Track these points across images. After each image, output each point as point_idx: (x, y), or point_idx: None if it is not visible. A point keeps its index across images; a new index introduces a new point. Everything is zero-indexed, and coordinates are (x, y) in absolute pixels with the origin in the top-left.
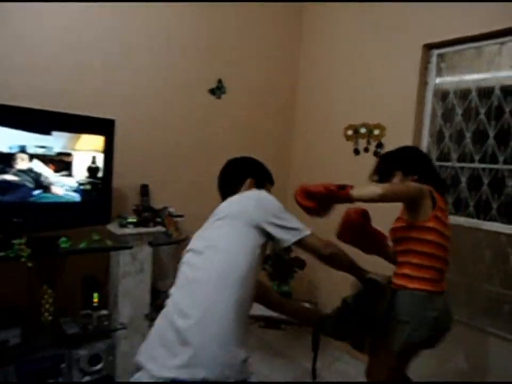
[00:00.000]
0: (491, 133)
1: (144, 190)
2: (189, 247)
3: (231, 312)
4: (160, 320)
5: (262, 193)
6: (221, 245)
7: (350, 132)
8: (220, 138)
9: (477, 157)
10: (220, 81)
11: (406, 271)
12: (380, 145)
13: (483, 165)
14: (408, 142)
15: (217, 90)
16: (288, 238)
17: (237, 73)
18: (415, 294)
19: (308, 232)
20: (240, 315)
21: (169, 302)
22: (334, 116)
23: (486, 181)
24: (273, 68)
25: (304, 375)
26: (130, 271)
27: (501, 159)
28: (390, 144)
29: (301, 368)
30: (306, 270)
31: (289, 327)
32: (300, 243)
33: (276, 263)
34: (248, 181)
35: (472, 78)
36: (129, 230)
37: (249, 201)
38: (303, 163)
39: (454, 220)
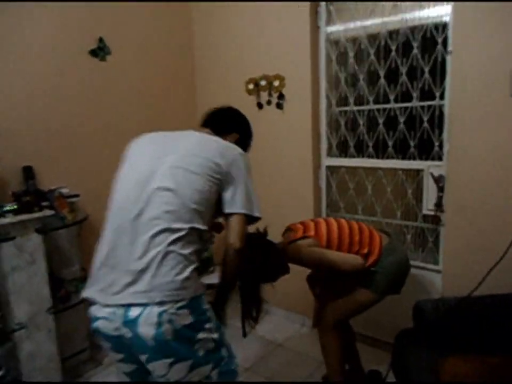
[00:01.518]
0: (381, 73)
1: (28, 173)
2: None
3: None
4: (108, 251)
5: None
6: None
7: (251, 86)
8: (113, 105)
9: (371, 99)
10: (101, 40)
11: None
12: (281, 96)
13: (377, 106)
14: (307, 89)
15: (100, 51)
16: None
17: (122, 30)
18: None
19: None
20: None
21: (113, 233)
22: (234, 71)
23: (380, 121)
24: (164, 25)
25: (236, 333)
26: (19, 265)
27: (392, 97)
28: (291, 94)
29: (231, 327)
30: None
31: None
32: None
33: None
34: (233, 134)
35: (360, 24)
36: (8, 219)
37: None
38: None
39: (357, 162)
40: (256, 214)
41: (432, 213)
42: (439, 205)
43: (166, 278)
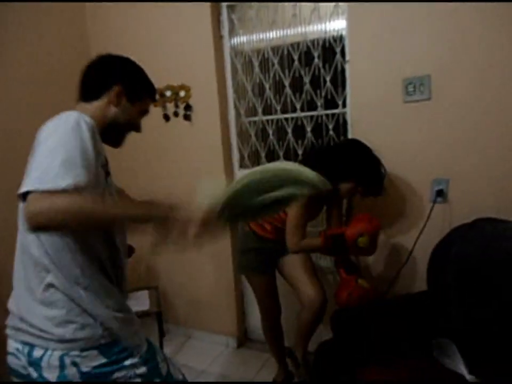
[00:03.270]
0: (286, 83)
1: None
2: None
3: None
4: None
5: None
6: None
7: (156, 97)
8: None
9: (278, 108)
10: None
11: None
12: (188, 107)
13: (285, 115)
14: (214, 100)
15: None
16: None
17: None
18: None
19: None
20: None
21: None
22: None
23: (289, 129)
24: (57, 36)
25: None
26: None
27: (298, 106)
28: (198, 105)
29: None
30: (141, 255)
31: None
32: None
33: None
34: (116, 88)
35: (263, 36)
36: None
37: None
38: None
39: None
40: (48, 186)
41: (344, 217)
42: (349, 209)
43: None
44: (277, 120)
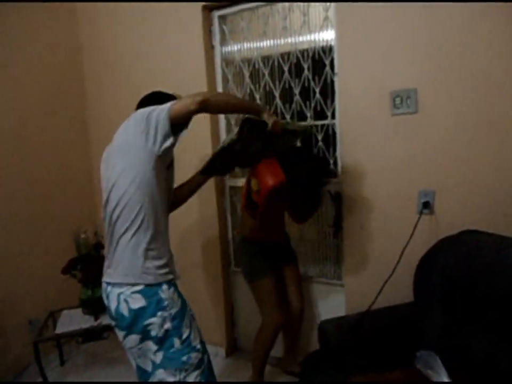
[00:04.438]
0: (276, 94)
1: None
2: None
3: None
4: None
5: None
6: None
7: None
8: None
9: None
10: None
11: None
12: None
13: None
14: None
15: None
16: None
17: None
18: None
19: (168, 106)
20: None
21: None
22: (128, 91)
23: None
24: (48, 36)
25: None
26: None
27: (288, 117)
28: None
29: None
30: None
31: (113, 334)
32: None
33: (84, 265)
34: None
35: (254, 45)
36: None
37: (129, 128)
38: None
39: None
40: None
41: (332, 229)
42: (337, 221)
43: (125, 265)
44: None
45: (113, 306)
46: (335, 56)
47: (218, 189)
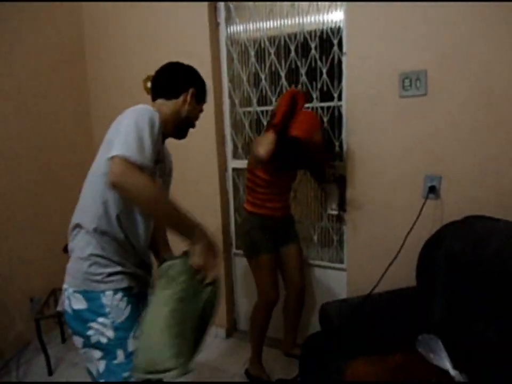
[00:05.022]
0: (282, 74)
1: None
2: None
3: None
4: None
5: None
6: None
7: (149, 84)
8: None
9: (273, 99)
10: None
11: None
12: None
13: None
14: (209, 89)
15: None
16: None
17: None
18: None
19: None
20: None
21: None
22: (130, 69)
23: None
24: (52, 25)
25: None
26: None
27: None
28: None
29: None
30: None
31: None
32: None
33: None
34: (191, 90)
35: (260, 25)
36: None
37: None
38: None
39: None
40: (135, 158)
41: (335, 212)
42: (341, 205)
43: (71, 264)
44: (272, 110)
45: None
46: (344, 36)
47: (221, 170)
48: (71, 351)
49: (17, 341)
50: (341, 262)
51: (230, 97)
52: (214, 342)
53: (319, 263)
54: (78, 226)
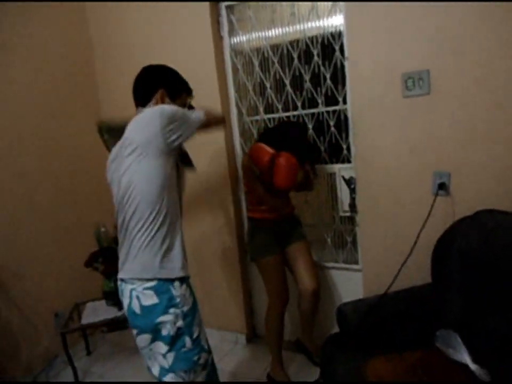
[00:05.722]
0: (287, 81)
1: None
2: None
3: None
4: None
5: (158, 111)
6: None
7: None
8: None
9: (280, 106)
10: None
11: None
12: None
13: (286, 113)
14: (216, 101)
15: None
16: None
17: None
18: None
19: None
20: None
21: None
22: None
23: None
24: (59, 33)
25: None
26: None
27: (299, 104)
28: (201, 106)
29: None
30: None
31: None
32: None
33: (105, 258)
34: (159, 91)
35: (262, 34)
36: None
37: (153, 127)
38: None
39: None
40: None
41: (347, 214)
42: (352, 206)
43: (141, 261)
44: (279, 118)
45: (126, 302)
46: (345, 40)
47: (232, 179)
48: (96, 362)
49: (44, 356)
50: (356, 263)
51: (237, 106)
52: (235, 349)
53: (334, 265)
54: (141, 227)
